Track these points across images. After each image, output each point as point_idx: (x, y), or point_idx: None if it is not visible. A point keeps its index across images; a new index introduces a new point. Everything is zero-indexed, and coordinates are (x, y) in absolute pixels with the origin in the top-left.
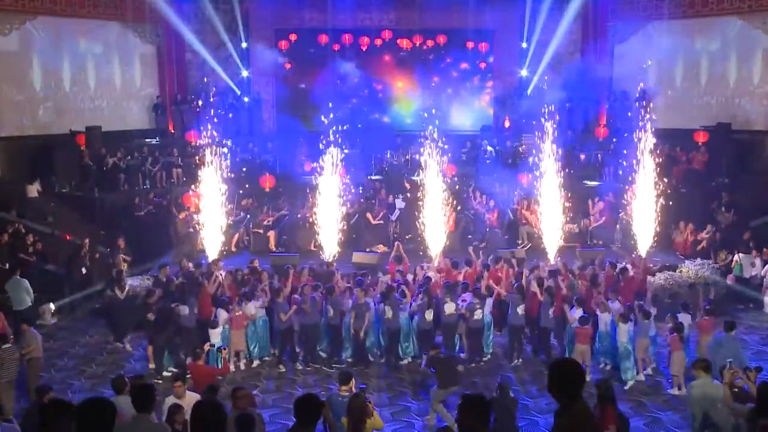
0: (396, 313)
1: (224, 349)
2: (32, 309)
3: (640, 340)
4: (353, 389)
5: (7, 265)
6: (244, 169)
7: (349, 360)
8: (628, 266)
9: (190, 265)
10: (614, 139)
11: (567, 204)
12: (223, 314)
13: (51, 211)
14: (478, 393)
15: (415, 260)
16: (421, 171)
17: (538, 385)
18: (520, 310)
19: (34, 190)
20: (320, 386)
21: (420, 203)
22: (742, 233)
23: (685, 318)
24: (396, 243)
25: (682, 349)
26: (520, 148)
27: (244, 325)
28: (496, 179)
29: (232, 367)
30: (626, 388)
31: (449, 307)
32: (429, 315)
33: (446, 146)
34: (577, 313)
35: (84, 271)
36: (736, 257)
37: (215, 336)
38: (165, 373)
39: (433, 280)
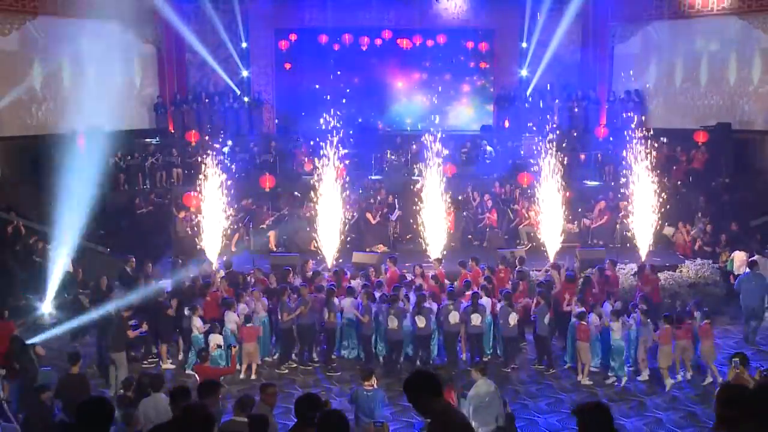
0: (400, 324)
1: (234, 347)
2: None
3: (643, 340)
4: (375, 384)
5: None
6: (242, 174)
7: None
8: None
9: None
10: (611, 139)
11: (567, 204)
12: (231, 316)
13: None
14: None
15: (415, 261)
16: (420, 171)
17: (538, 385)
18: (512, 320)
19: None
20: (320, 386)
21: (420, 204)
22: (745, 233)
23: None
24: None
25: (670, 344)
26: (520, 149)
27: (256, 338)
28: (496, 179)
29: (242, 375)
30: (620, 384)
31: (453, 317)
32: (420, 321)
33: (445, 147)
34: (577, 309)
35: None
36: (732, 255)
37: (217, 340)
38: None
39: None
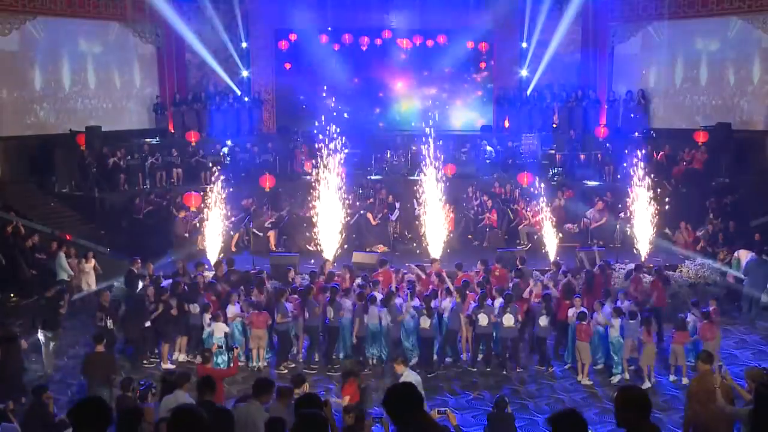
0: (396, 321)
1: (236, 348)
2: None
3: (628, 340)
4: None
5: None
6: (242, 174)
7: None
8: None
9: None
10: (613, 140)
11: (566, 204)
12: (232, 310)
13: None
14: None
15: (415, 261)
16: (420, 171)
17: (538, 385)
18: (507, 320)
19: None
20: (321, 386)
21: (420, 203)
22: (745, 232)
23: (692, 317)
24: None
25: (652, 342)
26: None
27: (265, 325)
28: (496, 179)
29: (252, 364)
30: (613, 381)
31: (461, 316)
32: (425, 322)
33: (445, 147)
34: (576, 309)
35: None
36: (736, 254)
37: (219, 331)
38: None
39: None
